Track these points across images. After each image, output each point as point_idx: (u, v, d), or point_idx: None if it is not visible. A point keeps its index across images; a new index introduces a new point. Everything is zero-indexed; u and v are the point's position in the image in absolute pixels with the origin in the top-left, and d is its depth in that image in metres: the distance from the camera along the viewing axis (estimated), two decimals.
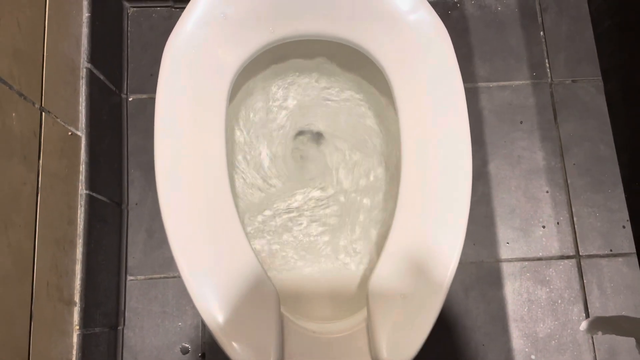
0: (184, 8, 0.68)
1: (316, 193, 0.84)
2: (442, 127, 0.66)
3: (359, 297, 0.74)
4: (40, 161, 0.69)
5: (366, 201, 0.81)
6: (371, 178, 0.82)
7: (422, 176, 0.65)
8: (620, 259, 0.97)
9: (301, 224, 0.82)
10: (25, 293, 0.65)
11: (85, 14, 0.85)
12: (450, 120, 0.66)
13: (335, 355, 0.60)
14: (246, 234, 0.62)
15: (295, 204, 0.83)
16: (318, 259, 0.79)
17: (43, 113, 0.71)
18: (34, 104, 0.68)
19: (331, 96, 0.86)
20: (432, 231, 0.63)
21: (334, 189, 0.83)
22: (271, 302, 0.60)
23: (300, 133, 0.87)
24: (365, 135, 0.84)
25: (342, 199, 0.83)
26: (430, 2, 0.70)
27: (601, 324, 0.87)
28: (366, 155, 0.84)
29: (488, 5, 1.09)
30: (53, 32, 0.75)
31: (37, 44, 0.70)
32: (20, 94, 0.65)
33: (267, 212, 0.82)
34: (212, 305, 0.59)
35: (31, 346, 0.65)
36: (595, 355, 0.93)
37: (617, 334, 0.86)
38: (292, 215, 0.82)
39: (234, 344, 0.58)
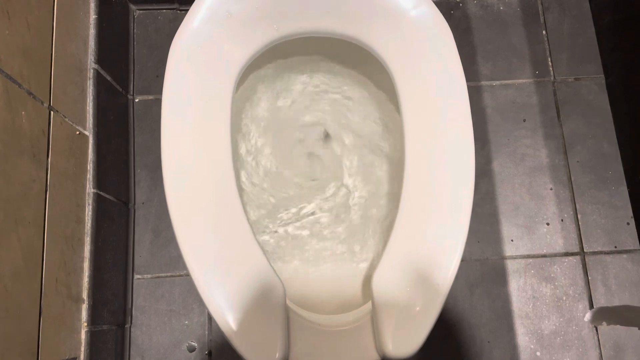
0: (189, 10, 0.69)
1: (322, 195, 0.85)
2: (445, 123, 0.66)
3: (364, 290, 0.75)
4: (49, 159, 0.70)
5: (370, 197, 0.82)
6: (375, 174, 0.83)
7: (424, 173, 0.65)
8: (624, 256, 0.98)
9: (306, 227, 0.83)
10: (34, 289, 0.66)
11: (93, 16, 0.87)
12: (453, 117, 0.66)
13: (341, 348, 0.61)
14: (252, 228, 0.63)
15: (304, 210, 0.84)
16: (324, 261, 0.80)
17: (52, 112, 0.72)
18: (42, 103, 0.70)
19: (335, 93, 0.87)
20: (435, 227, 0.63)
21: (338, 186, 0.84)
22: (277, 296, 0.61)
23: (305, 130, 0.88)
24: (368, 132, 0.85)
25: (345, 196, 0.83)
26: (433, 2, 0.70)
27: (605, 315, 0.87)
28: (370, 152, 0.85)
29: (490, 5, 1.10)
30: (61, 33, 0.76)
31: (45, 44, 0.72)
32: (30, 93, 0.66)
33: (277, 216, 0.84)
34: (220, 300, 0.60)
35: (40, 341, 0.66)
36: (600, 351, 0.93)
37: (620, 324, 0.86)
38: (300, 215, 0.83)
39: (242, 339, 0.59)
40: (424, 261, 0.62)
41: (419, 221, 0.64)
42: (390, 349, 0.59)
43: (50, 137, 0.71)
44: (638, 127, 0.95)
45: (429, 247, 0.62)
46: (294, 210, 0.84)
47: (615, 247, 0.98)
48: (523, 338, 0.94)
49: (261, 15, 0.69)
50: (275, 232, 0.83)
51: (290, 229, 0.83)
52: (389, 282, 0.61)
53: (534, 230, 0.99)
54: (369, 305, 0.64)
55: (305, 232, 0.83)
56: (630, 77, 0.97)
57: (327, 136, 0.88)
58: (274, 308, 0.60)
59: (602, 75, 1.06)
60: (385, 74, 0.70)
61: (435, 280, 0.61)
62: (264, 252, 0.63)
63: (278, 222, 0.83)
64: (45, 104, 0.70)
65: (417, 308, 0.60)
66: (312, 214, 0.84)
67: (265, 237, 0.82)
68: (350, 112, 0.86)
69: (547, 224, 0.99)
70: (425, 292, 0.60)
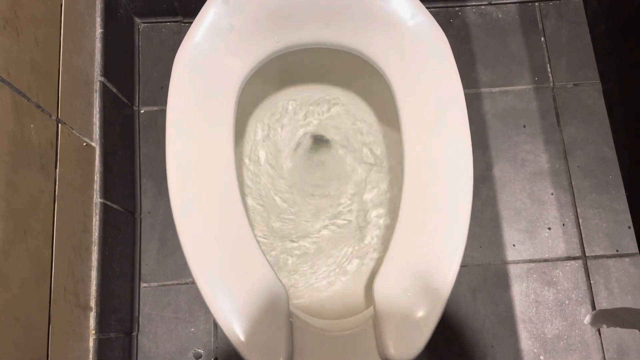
0: (192, 23, 0.71)
1: (326, 206, 0.86)
2: (443, 130, 0.67)
3: (366, 296, 0.76)
4: (57, 170, 0.72)
5: (372, 206, 0.83)
6: (377, 181, 0.84)
7: (423, 180, 0.66)
8: (626, 259, 0.98)
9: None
10: (43, 297, 0.67)
11: (99, 30, 0.89)
12: (451, 124, 0.67)
13: (343, 352, 0.62)
14: (255, 236, 0.64)
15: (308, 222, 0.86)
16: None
17: (59, 124, 0.74)
18: (50, 115, 0.71)
19: (336, 105, 0.88)
20: (435, 233, 0.64)
21: (340, 195, 0.85)
22: (281, 303, 0.62)
23: (307, 142, 0.89)
24: (368, 141, 0.86)
25: (348, 206, 0.85)
26: (432, 11, 0.72)
27: (605, 317, 0.88)
28: (372, 161, 0.86)
29: (489, 13, 1.11)
30: (68, 47, 0.78)
31: (53, 58, 0.74)
32: (38, 106, 0.68)
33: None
34: (226, 308, 0.61)
35: (50, 349, 0.67)
36: (604, 354, 0.93)
37: (620, 327, 0.87)
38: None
39: (247, 345, 0.60)
40: (424, 266, 0.63)
41: (418, 227, 0.65)
42: (392, 352, 0.59)
43: (58, 149, 0.73)
44: (635, 131, 0.96)
45: (429, 252, 0.63)
46: (296, 220, 0.85)
47: (617, 250, 0.99)
48: (526, 342, 0.94)
49: (262, 27, 0.70)
50: (280, 244, 0.84)
51: (294, 239, 0.84)
52: (390, 287, 0.62)
53: (536, 235, 1.00)
54: (370, 310, 0.65)
55: (309, 242, 0.84)
56: (626, 82, 0.98)
57: (329, 146, 0.89)
58: (278, 314, 0.61)
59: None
60: (383, 85, 0.71)
61: (435, 285, 0.62)
62: (268, 259, 0.64)
63: (282, 234, 0.84)
64: (53, 117, 0.72)
65: (418, 312, 0.61)
66: (317, 224, 0.85)
67: (269, 250, 0.83)
68: (351, 122, 0.88)
69: (549, 228, 1.00)
70: (426, 297, 0.61)
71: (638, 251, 0.98)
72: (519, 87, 1.07)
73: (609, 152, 1.03)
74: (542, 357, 0.94)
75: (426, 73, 0.69)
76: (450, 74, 0.68)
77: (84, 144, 0.81)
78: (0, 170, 0.59)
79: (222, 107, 0.68)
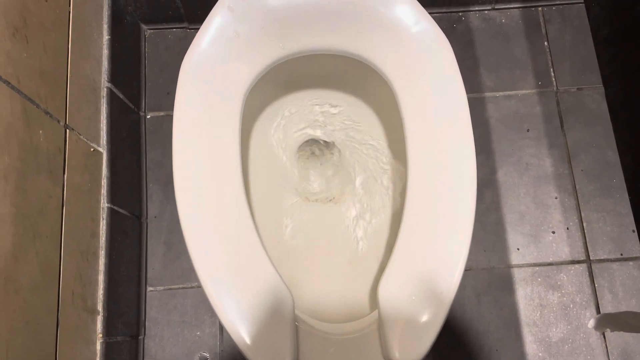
0: (198, 29, 0.71)
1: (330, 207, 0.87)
2: (446, 135, 0.68)
3: (371, 300, 0.76)
4: (65, 176, 0.73)
5: (373, 207, 0.84)
6: (380, 187, 0.85)
7: (427, 184, 0.66)
8: (631, 263, 0.98)
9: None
10: (52, 301, 0.68)
11: (106, 37, 0.90)
12: (454, 129, 0.68)
13: (348, 356, 0.62)
14: (261, 240, 0.65)
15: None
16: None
17: (67, 130, 0.75)
18: (59, 121, 0.72)
19: (340, 110, 0.89)
20: (438, 237, 0.65)
21: (345, 197, 0.86)
22: (287, 307, 0.62)
23: (308, 146, 0.90)
24: (371, 146, 0.87)
25: (349, 205, 0.85)
26: (435, 16, 0.72)
27: (609, 321, 0.88)
28: (375, 166, 0.86)
29: (492, 18, 1.12)
30: (76, 54, 0.79)
31: (61, 65, 0.75)
32: (47, 113, 0.69)
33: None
34: (233, 313, 0.61)
35: (58, 352, 0.68)
36: (608, 358, 0.93)
37: (624, 331, 0.87)
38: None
39: (253, 350, 0.60)
40: (428, 270, 0.63)
41: (422, 231, 0.65)
42: (397, 356, 0.60)
43: (66, 155, 0.73)
44: (638, 135, 0.96)
45: (433, 256, 0.64)
46: (300, 224, 0.86)
47: (622, 254, 0.99)
48: (531, 346, 0.95)
49: (267, 34, 0.71)
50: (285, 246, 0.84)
51: (299, 241, 0.85)
52: (395, 291, 0.63)
53: (540, 239, 1.00)
54: (375, 313, 0.65)
55: (313, 245, 0.85)
56: (628, 86, 0.98)
57: (332, 151, 0.90)
58: (284, 318, 0.61)
59: None
60: (389, 91, 0.72)
61: (439, 288, 0.62)
62: (273, 264, 0.64)
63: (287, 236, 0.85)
64: (61, 123, 0.73)
65: (423, 316, 0.61)
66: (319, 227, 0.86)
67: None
68: (355, 129, 0.88)
69: (553, 232, 1.00)
70: (430, 301, 0.62)
71: None
72: (523, 91, 1.07)
73: (613, 156, 1.03)
74: None
75: (429, 79, 0.69)
76: (454, 80, 0.69)
77: (92, 149, 0.82)
78: (10, 176, 0.60)
79: (228, 113, 0.69)
